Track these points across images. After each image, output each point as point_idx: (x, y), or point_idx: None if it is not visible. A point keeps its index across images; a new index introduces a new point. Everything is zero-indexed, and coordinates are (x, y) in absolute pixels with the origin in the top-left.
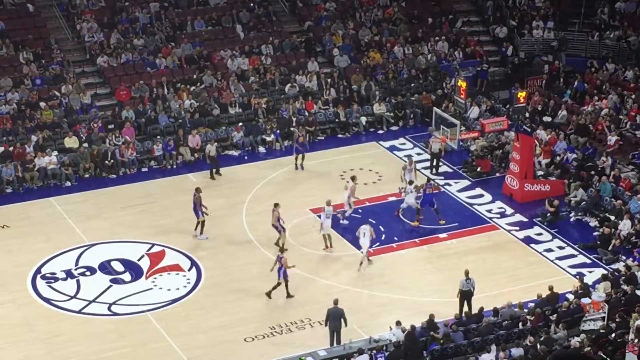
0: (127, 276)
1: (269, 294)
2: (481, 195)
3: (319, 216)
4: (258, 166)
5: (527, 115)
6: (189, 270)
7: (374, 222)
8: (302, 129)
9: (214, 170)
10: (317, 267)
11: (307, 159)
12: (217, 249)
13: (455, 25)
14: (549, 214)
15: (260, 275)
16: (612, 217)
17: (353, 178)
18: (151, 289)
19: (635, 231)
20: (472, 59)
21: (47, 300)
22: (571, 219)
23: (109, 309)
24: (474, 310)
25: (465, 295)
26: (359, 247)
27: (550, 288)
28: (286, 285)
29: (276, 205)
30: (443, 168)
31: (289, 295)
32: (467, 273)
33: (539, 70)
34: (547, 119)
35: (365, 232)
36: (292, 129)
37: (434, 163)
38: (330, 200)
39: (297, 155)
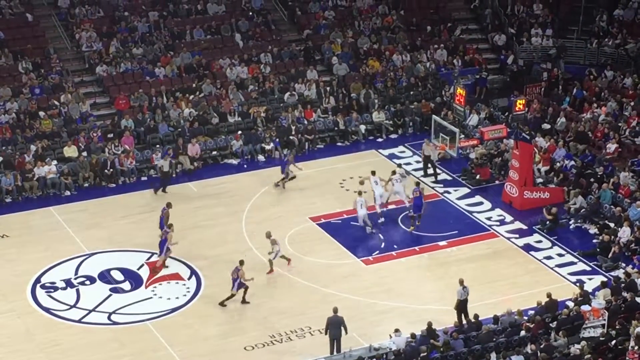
0: (126, 285)
1: (222, 303)
2: (481, 203)
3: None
4: (257, 175)
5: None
6: (189, 279)
7: (373, 230)
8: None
9: (163, 186)
10: (317, 275)
11: (307, 167)
12: (216, 258)
13: (454, 33)
14: (548, 222)
15: (259, 284)
16: (612, 225)
17: (373, 173)
18: (151, 297)
19: (635, 238)
20: (471, 67)
21: (47, 310)
22: (571, 227)
23: (108, 318)
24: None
25: (463, 304)
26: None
27: (549, 295)
28: (245, 293)
29: (170, 226)
30: (442, 176)
31: (244, 302)
32: (461, 282)
33: (537, 78)
34: (546, 126)
35: (362, 204)
36: (291, 137)
37: (427, 167)
38: (270, 232)
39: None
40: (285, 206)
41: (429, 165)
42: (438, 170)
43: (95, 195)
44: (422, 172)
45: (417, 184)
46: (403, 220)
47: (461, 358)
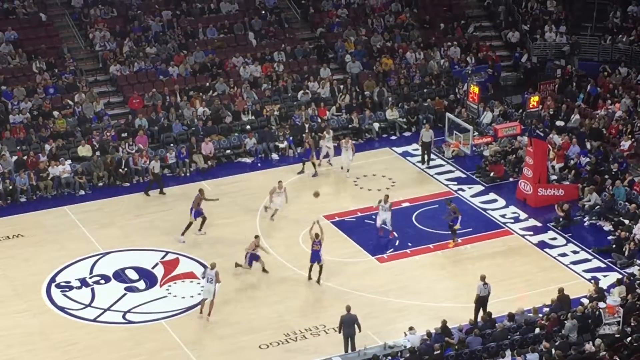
0: (141, 284)
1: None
2: (495, 200)
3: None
4: (271, 173)
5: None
6: (203, 277)
7: (387, 228)
8: (308, 135)
9: (159, 188)
10: (332, 273)
11: (320, 165)
12: (231, 256)
13: (468, 30)
14: (561, 219)
15: (272, 282)
16: (627, 221)
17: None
18: (166, 296)
19: None
20: (485, 64)
21: (62, 309)
22: (585, 223)
23: (123, 317)
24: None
25: (482, 301)
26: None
27: (560, 290)
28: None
29: (256, 237)
30: (456, 173)
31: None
32: (483, 278)
33: (551, 75)
34: (560, 123)
35: (348, 148)
36: (304, 135)
37: (425, 154)
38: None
39: (305, 160)
40: (300, 204)
41: (425, 151)
42: (450, 168)
43: (110, 195)
44: (425, 161)
45: (449, 202)
46: (417, 218)
47: (476, 356)
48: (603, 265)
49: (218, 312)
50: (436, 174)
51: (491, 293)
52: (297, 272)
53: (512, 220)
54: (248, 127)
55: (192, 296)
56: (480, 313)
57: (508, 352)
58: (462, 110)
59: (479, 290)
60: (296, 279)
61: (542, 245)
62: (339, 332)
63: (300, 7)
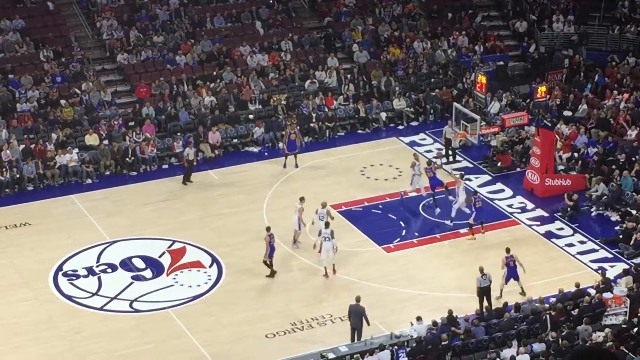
0: (148, 273)
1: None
2: (502, 190)
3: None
4: (278, 162)
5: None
6: (210, 266)
7: (394, 217)
8: (293, 126)
9: (188, 175)
10: (338, 263)
11: (328, 154)
12: (237, 246)
13: (475, 20)
14: (569, 209)
15: (280, 271)
16: (634, 212)
17: (302, 199)
18: (172, 285)
19: None
20: (492, 54)
21: (69, 297)
22: (592, 214)
23: (130, 305)
24: (498, 305)
25: (484, 291)
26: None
27: (577, 285)
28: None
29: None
30: (464, 163)
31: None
32: (481, 269)
33: (559, 65)
34: (567, 113)
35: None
36: (312, 124)
37: (449, 151)
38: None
39: (288, 154)
40: (307, 194)
41: (450, 148)
42: (458, 157)
43: (117, 183)
44: (446, 159)
45: (475, 192)
46: (424, 208)
47: (482, 345)
48: (610, 256)
49: (224, 300)
50: (443, 163)
51: (499, 283)
52: (303, 261)
53: (519, 210)
54: (251, 116)
55: (198, 285)
56: (485, 303)
57: (514, 342)
58: (469, 100)
59: (478, 282)
60: (302, 268)
61: (549, 235)
62: (349, 320)
63: None
